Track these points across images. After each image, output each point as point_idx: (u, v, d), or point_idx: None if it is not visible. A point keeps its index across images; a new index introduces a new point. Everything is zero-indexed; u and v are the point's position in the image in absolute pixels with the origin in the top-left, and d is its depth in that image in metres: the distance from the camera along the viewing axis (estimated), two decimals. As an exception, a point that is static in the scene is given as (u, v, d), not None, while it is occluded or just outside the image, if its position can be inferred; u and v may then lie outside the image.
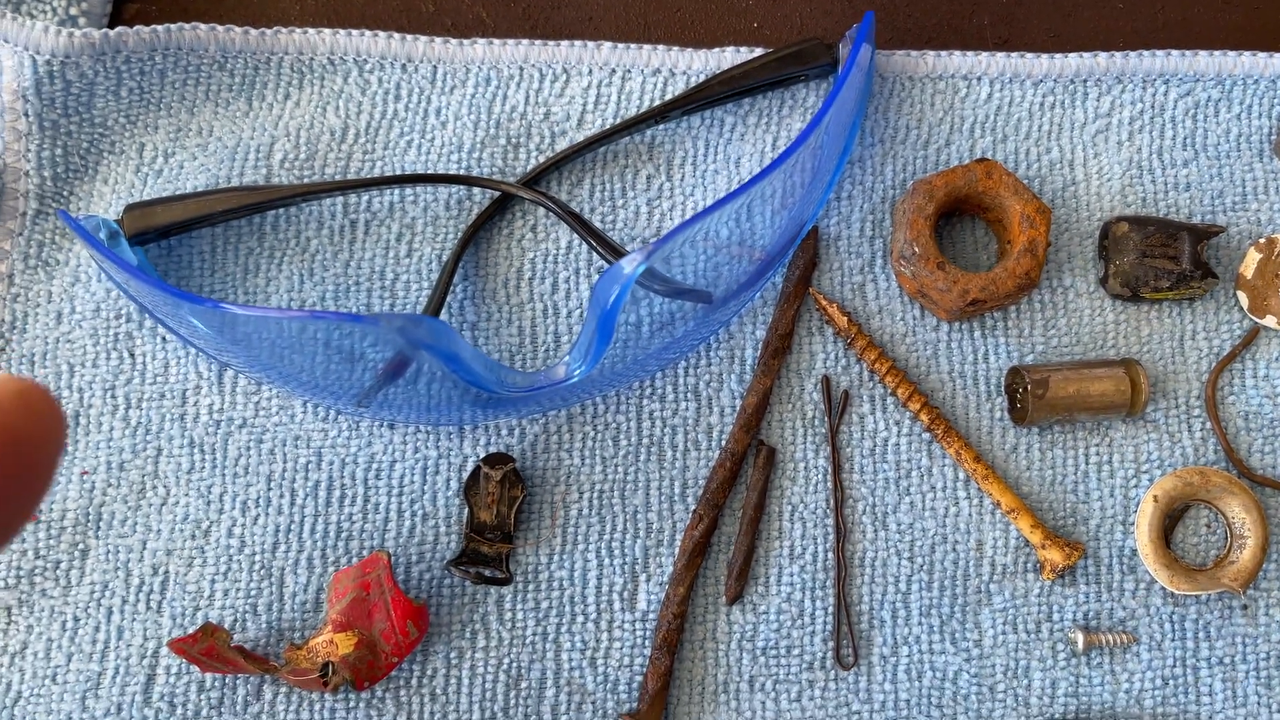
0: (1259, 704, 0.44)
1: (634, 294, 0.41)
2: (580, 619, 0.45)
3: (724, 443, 0.46)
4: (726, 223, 0.41)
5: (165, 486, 0.45)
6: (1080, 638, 0.44)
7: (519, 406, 0.45)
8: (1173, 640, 0.44)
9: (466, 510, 0.45)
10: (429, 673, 0.44)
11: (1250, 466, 0.46)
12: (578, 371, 0.41)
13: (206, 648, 0.42)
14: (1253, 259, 0.47)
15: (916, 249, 0.45)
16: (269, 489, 0.45)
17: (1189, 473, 0.45)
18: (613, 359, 0.43)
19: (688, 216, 0.48)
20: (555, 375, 0.42)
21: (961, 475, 0.46)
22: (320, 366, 0.41)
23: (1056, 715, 0.44)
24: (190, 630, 0.44)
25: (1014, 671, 0.44)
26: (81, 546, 0.45)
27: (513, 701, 0.44)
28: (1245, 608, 0.45)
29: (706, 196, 0.48)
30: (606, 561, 0.45)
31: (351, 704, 0.44)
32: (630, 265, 0.38)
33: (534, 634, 0.44)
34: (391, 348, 0.39)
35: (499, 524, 0.44)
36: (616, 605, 0.45)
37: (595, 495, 0.46)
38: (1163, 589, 0.45)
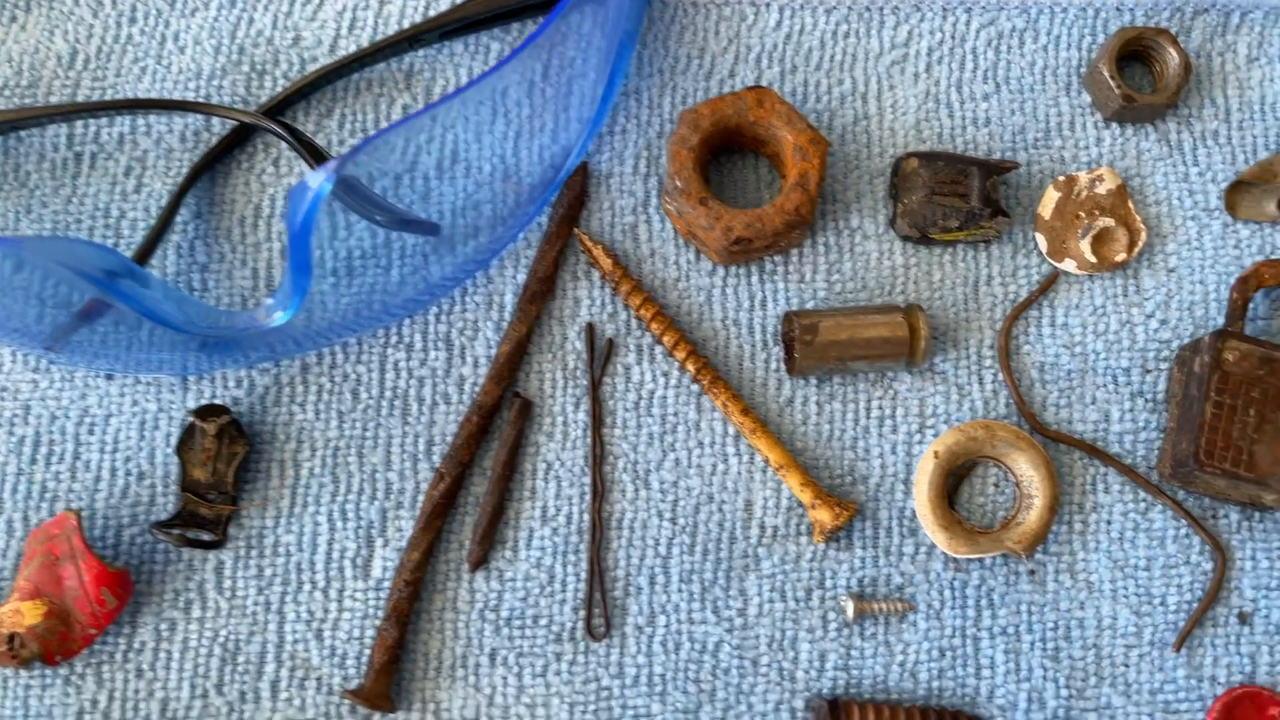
0: (1044, 678, 0.40)
1: (349, 222, 0.37)
2: (308, 587, 0.41)
3: (475, 396, 0.42)
4: (453, 132, 0.37)
5: None
6: (851, 606, 0.40)
7: (244, 353, 0.41)
8: (953, 608, 0.41)
9: (179, 469, 0.41)
10: (135, 646, 0.40)
11: (1044, 421, 0.42)
12: (279, 314, 0.37)
13: None
14: (1051, 198, 0.43)
15: (679, 183, 0.41)
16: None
17: (973, 426, 0.41)
18: (332, 299, 0.39)
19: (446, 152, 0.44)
20: (257, 318, 0.38)
21: (731, 430, 0.42)
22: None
23: (824, 690, 0.40)
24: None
25: (780, 643, 0.40)
26: None
27: (228, 677, 0.40)
28: (1033, 573, 0.41)
29: (469, 131, 0.44)
30: (339, 525, 0.41)
31: (47, 680, 0.40)
32: (316, 180, 0.34)
33: (255, 604, 0.40)
34: (54, 279, 0.35)
35: (216, 483, 0.40)
36: (349, 573, 0.41)
37: (330, 453, 0.42)
38: (943, 554, 0.41)
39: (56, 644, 0.39)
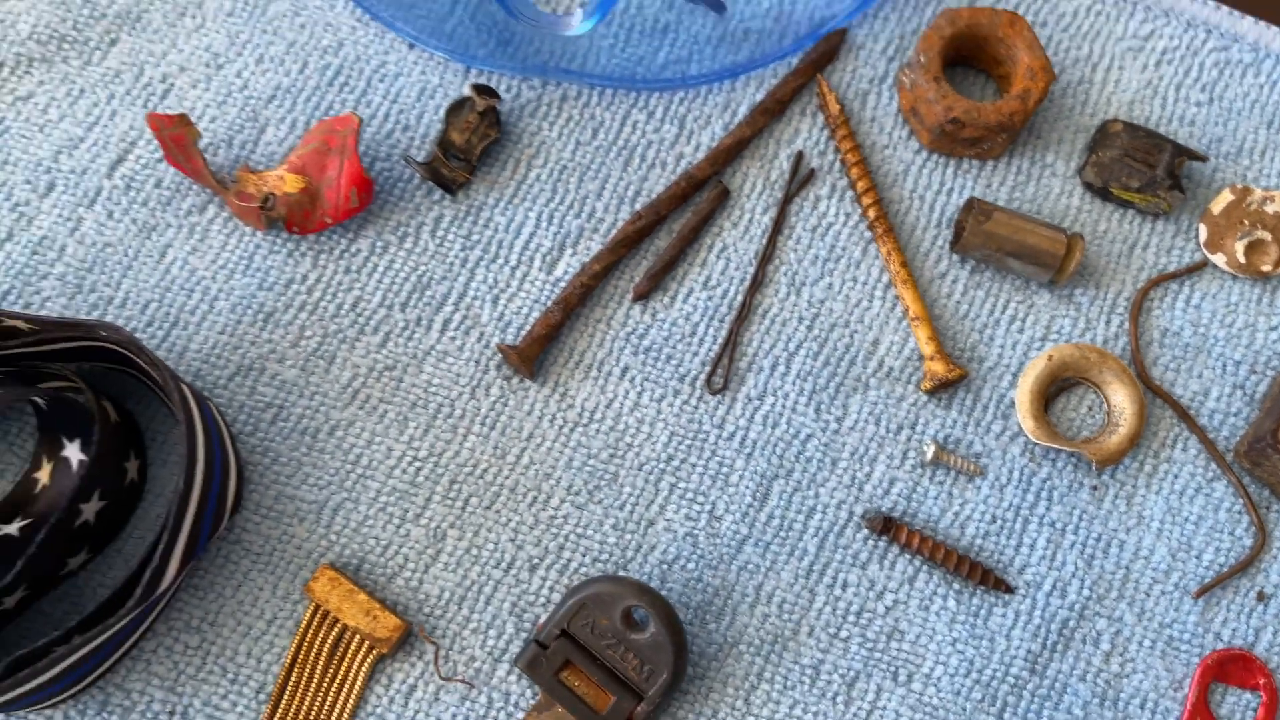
0: (1072, 574, 0.45)
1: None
2: (500, 261, 0.48)
3: (688, 168, 0.49)
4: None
5: (202, 17, 0.50)
6: (931, 450, 0.46)
7: (525, 56, 0.49)
8: (1015, 488, 0.46)
9: (442, 127, 0.48)
10: (353, 250, 0.48)
11: (1150, 376, 0.47)
12: (585, 23, 0.45)
13: (178, 134, 0.46)
14: (1224, 199, 0.49)
15: (921, 58, 0.48)
16: (291, 64, 0.50)
17: (1090, 348, 0.46)
18: (620, 42, 0.47)
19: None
20: (562, 22, 0.46)
21: (885, 279, 0.48)
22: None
23: (883, 509, 0.45)
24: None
25: (860, 456, 0.46)
26: (113, 37, 0.50)
27: (413, 301, 0.47)
28: (1095, 488, 0.46)
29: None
30: (543, 225, 0.48)
31: (275, 246, 0.48)
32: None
33: (455, 257, 0.48)
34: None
35: (466, 151, 0.48)
36: (536, 264, 0.48)
37: (558, 168, 0.49)
38: (1025, 442, 0.46)
39: (299, 217, 0.47)
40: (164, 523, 0.40)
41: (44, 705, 0.41)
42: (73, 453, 0.43)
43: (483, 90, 0.48)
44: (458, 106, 0.48)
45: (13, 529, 0.43)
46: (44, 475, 0.44)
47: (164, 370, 0.42)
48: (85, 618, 0.39)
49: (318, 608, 0.43)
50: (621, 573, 0.44)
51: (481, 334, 0.47)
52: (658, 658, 0.42)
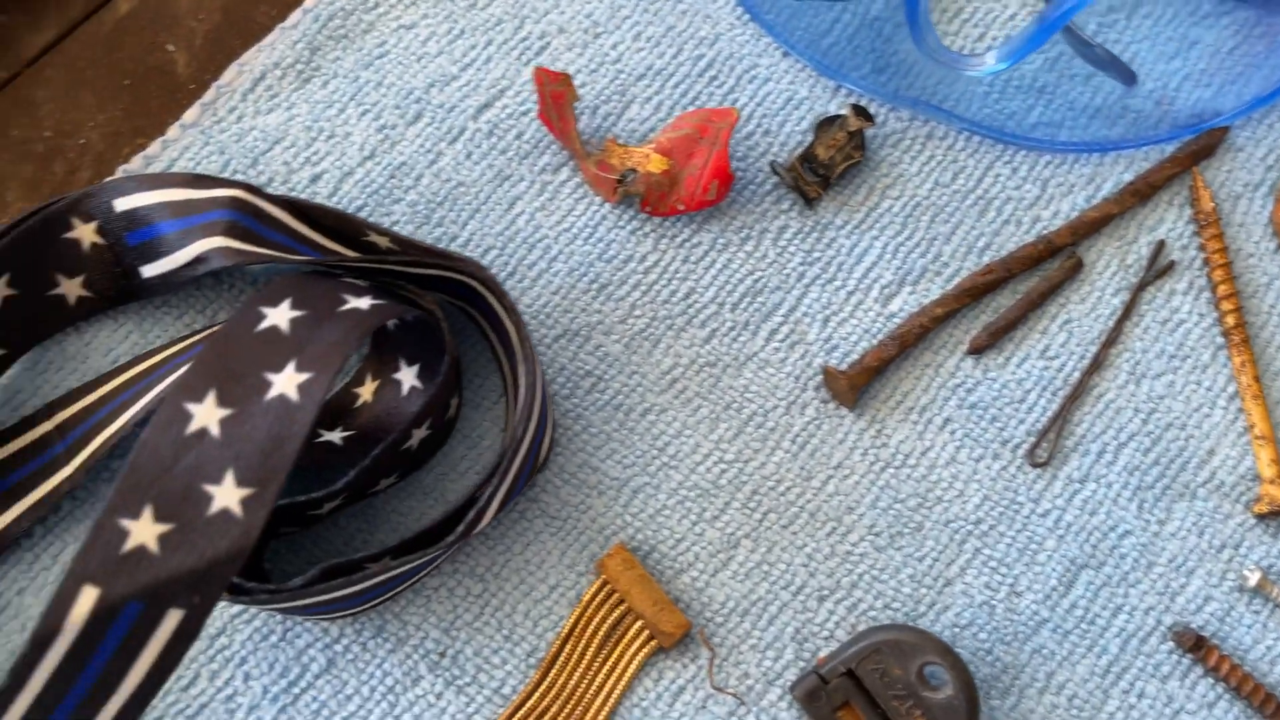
0: (1386, 744, 0.42)
1: (1068, 38, 0.44)
2: (836, 284, 0.47)
3: (1045, 232, 0.48)
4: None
5: (589, -14, 0.51)
6: (1256, 577, 0.43)
7: (898, 87, 0.48)
8: (1339, 638, 0.43)
9: (811, 140, 0.48)
10: (694, 241, 0.47)
11: None
12: (998, 65, 0.44)
13: (559, 92, 0.46)
14: None
15: (1321, 174, 0.46)
16: (666, 48, 0.50)
17: None
18: (996, 93, 0.46)
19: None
20: (980, 61, 0.45)
21: (1232, 389, 0.46)
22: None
23: (1194, 625, 0.43)
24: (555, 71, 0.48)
25: (1178, 566, 0.44)
26: (501, -14, 0.51)
27: (744, 304, 0.46)
28: None
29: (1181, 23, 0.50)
30: (887, 258, 0.47)
31: (623, 221, 0.47)
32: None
33: (793, 270, 0.47)
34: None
35: (827, 167, 0.47)
36: (873, 294, 0.47)
37: (911, 203, 0.48)
38: (1355, 595, 0.43)
39: (654, 198, 0.47)
40: (495, 465, 0.40)
41: (334, 616, 0.41)
42: (406, 377, 0.43)
43: (860, 112, 0.47)
44: (828, 122, 0.48)
45: (335, 437, 0.43)
46: (365, 392, 0.44)
47: (517, 317, 0.42)
48: (403, 542, 0.39)
49: (604, 585, 0.42)
50: (911, 625, 0.43)
51: (805, 351, 0.46)
52: (947, 722, 0.40)
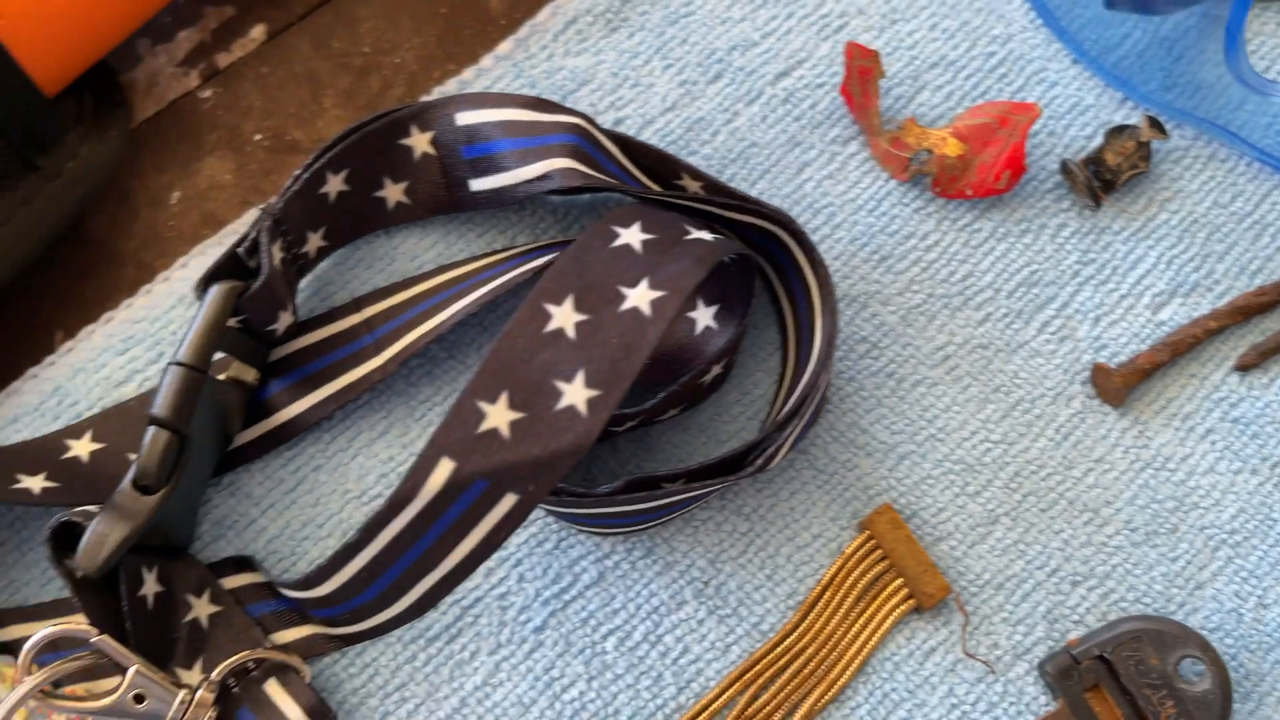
0: None
1: None
2: (1109, 286, 0.48)
3: (1319, 263, 0.49)
4: None
5: (890, -27, 0.53)
6: None
7: (1184, 105, 0.49)
8: None
9: (1100, 145, 0.49)
10: (975, 227, 0.49)
11: None
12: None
13: (867, 68, 0.48)
14: None
15: None
16: (960, 41, 0.51)
17: None
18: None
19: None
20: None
21: None
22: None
23: None
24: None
25: None
26: (805, -36, 0.53)
27: (1019, 294, 0.48)
28: None
29: None
30: (1160, 267, 0.48)
31: (908, 199, 0.49)
32: None
33: (1067, 267, 0.48)
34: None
35: (1113, 173, 0.49)
36: (1144, 301, 0.48)
37: (1189, 219, 0.49)
38: None
39: (945, 180, 0.48)
40: (794, 408, 0.42)
41: (616, 530, 0.43)
42: (702, 316, 0.45)
43: (1155, 124, 0.48)
44: (1118, 130, 0.49)
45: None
46: (654, 327, 0.46)
47: (824, 270, 0.43)
48: (700, 468, 0.41)
49: (868, 540, 0.44)
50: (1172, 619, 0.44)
51: (1075, 346, 0.47)
52: (1200, 716, 0.41)
